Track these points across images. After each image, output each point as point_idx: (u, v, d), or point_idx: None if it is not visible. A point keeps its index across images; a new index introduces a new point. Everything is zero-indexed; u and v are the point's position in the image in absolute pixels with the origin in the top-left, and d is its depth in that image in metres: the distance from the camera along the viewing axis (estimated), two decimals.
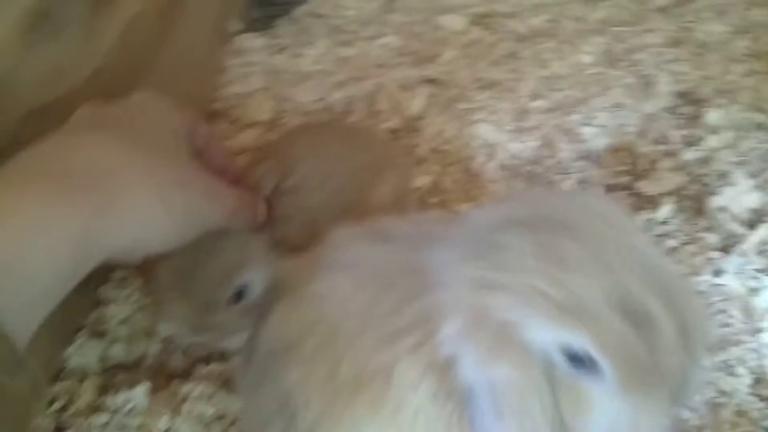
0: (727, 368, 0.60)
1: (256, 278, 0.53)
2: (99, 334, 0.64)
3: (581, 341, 0.33)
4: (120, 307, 0.65)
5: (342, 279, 0.42)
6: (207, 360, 0.61)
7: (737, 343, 0.61)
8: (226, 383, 0.58)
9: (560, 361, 0.35)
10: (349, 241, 0.44)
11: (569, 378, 0.35)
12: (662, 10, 1.04)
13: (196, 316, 0.52)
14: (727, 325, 0.63)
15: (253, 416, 0.45)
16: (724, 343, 0.61)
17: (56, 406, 0.57)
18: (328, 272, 0.42)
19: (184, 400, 0.57)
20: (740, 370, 0.60)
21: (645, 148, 0.81)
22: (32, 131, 0.55)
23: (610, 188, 0.78)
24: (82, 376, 0.60)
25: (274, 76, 0.98)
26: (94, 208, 0.39)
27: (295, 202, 0.59)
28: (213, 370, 0.60)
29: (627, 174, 0.79)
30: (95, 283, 0.67)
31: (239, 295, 0.53)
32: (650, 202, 0.75)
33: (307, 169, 0.60)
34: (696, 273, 0.67)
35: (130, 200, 0.42)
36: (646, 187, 0.76)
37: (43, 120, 0.57)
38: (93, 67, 0.67)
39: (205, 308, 0.52)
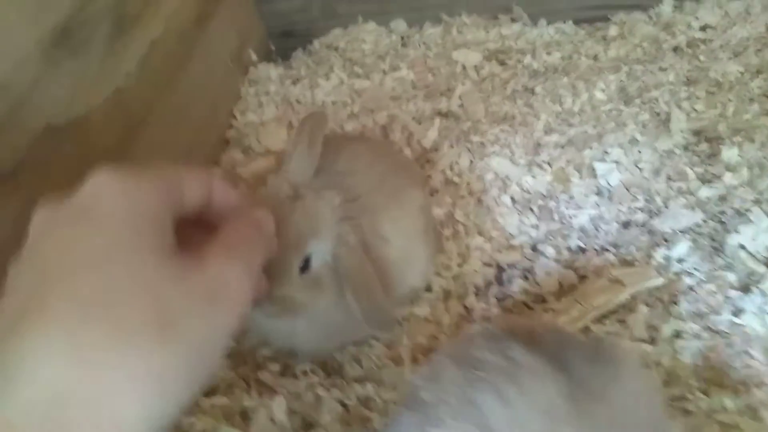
0: (750, 412, 0.58)
1: (321, 248, 0.52)
2: None
3: None
4: None
5: None
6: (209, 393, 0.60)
7: (759, 385, 0.59)
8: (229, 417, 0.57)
9: None
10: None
11: None
12: (677, 49, 1.04)
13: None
14: (748, 366, 0.61)
15: None
16: (745, 386, 0.60)
17: None
18: None
19: None
20: (764, 413, 0.58)
21: (660, 185, 0.80)
22: (48, 149, 0.56)
23: (625, 225, 0.77)
24: None
25: (289, 106, 0.99)
26: None
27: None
28: (216, 403, 0.58)
29: (641, 211, 0.78)
30: None
31: (305, 266, 0.52)
32: (666, 239, 0.74)
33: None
34: (715, 312, 0.66)
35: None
36: (662, 224, 0.75)
37: (59, 139, 0.58)
38: (113, 88, 0.68)
39: (275, 278, 0.49)
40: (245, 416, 0.58)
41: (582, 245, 0.76)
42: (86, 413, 0.29)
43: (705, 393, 0.60)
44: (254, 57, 1.06)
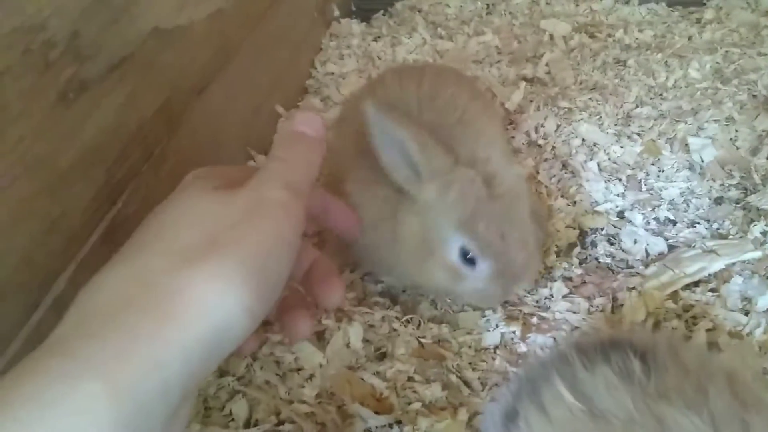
0: None
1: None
2: None
3: None
4: None
5: None
6: None
7: None
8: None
9: None
10: None
11: None
12: None
13: None
14: None
15: None
16: None
17: None
18: None
19: (262, 343, 0.55)
20: None
21: (760, 161, 0.76)
22: (153, 49, 0.55)
23: (717, 201, 0.73)
24: None
25: (369, 61, 0.98)
26: None
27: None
28: None
29: (735, 188, 0.74)
30: None
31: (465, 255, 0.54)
32: (763, 216, 0.70)
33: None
34: None
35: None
36: (759, 201, 0.71)
37: (163, 42, 0.58)
38: (216, 7, 0.68)
39: None
40: (321, 337, 0.57)
41: (671, 217, 0.72)
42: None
43: None
44: (337, 12, 1.06)
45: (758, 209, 0.71)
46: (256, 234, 0.37)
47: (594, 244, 0.71)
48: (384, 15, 1.12)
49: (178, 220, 0.38)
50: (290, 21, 0.90)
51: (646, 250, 0.69)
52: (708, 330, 0.60)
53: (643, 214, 0.72)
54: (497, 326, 0.60)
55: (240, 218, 0.38)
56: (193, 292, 0.33)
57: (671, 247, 0.69)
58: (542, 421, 0.39)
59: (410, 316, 0.60)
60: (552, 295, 0.64)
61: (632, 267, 0.67)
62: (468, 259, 0.54)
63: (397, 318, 0.60)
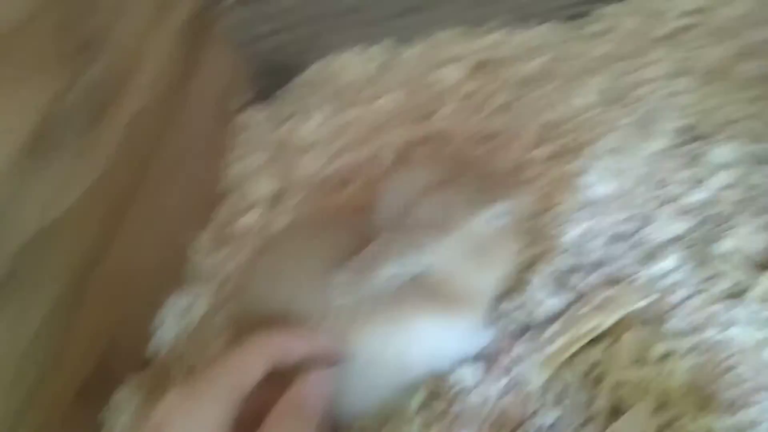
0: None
1: None
2: None
3: None
4: None
5: None
6: None
7: (750, 404, 0.58)
8: None
9: None
10: None
11: None
12: (662, 39, 1.01)
13: None
14: (738, 384, 0.60)
15: None
16: (736, 406, 0.59)
17: None
18: None
19: None
20: None
21: (647, 193, 0.78)
22: (34, 258, 0.58)
23: (613, 239, 0.76)
24: None
25: (276, 151, 1.01)
26: None
27: None
28: None
29: (628, 222, 0.77)
30: (95, 408, 0.68)
31: None
32: (653, 252, 0.73)
33: None
34: (704, 327, 0.65)
35: None
36: (649, 236, 0.74)
37: (43, 246, 0.61)
38: (94, 178, 0.69)
39: None
40: None
41: (571, 265, 0.75)
42: None
43: (697, 415, 0.59)
44: (238, 103, 1.08)
45: (650, 245, 0.74)
46: None
47: (500, 308, 0.74)
48: (288, 90, 1.15)
49: None
50: (190, 136, 0.92)
51: (550, 308, 0.72)
52: (610, 389, 0.64)
53: (543, 268, 0.75)
54: None
55: None
56: None
57: (572, 300, 0.72)
58: None
59: None
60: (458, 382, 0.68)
61: (535, 329, 0.71)
62: None
63: None
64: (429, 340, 0.60)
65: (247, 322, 0.59)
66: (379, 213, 0.63)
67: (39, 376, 0.59)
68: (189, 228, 0.88)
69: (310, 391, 0.50)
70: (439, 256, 0.58)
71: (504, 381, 0.66)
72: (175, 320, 0.79)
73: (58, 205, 0.63)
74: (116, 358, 0.71)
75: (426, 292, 0.59)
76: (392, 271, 0.55)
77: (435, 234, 0.57)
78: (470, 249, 0.60)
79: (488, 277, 0.62)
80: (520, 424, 0.63)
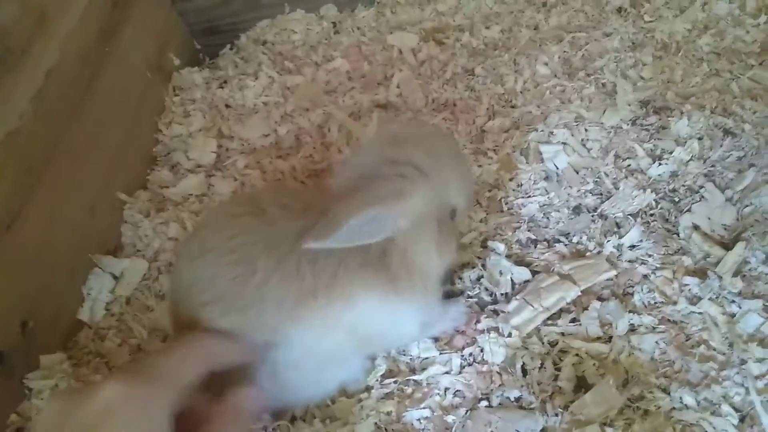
0: (711, 407, 0.56)
1: None
2: None
3: None
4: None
5: None
6: None
7: (720, 379, 0.57)
8: None
9: None
10: None
11: None
12: (620, 10, 0.99)
13: None
14: (708, 358, 0.58)
15: None
16: (706, 381, 0.57)
17: None
18: None
19: None
20: (725, 408, 0.55)
21: (608, 166, 0.76)
22: None
23: (575, 211, 0.73)
24: None
25: (217, 113, 0.93)
26: None
27: None
28: None
29: (591, 193, 0.74)
30: (20, 372, 0.61)
31: None
32: (618, 224, 0.71)
33: None
34: (671, 301, 0.63)
35: None
36: (613, 208, 0.72)
37: None
38: (4, 133, 0.61)
39: None
40: None
41: (533, 237, 0.72)
42: None
43: (665, 390, 0.57)
44: (177, 61, 0.99)
45: (613, 217, 0.71)
46: None
47: (461, 281, 0.70)
48: (231, 50, 1.07)
49: None
50: (118, 94, 0.83)
51: (512, 280, 0.69)
52: (574, 364, 0.61)
53: (505, 240, 0.72)
54: (368, 416, 0.59)
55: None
56: None
57: (534, 272, 0.69)
58: None
59: (277, 423, 0.59)
60: (420, 356, 0.64)
61: (497, 303, 0.67)
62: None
63: (264, 429, 0.58)
64: (380, 318, 0.56)
65: (183, 302, 0.53)
66: (337, 181, 0.58)
67: None
68: (119, 190, 0.79)
69: (248, 402, 0.49)
70: (392, 229, 0.53)
71: (467, 353, 0.63)
72: (106, 288, 0.71)
73: None
74: (41, 324, 0.64)
75: (376, 268, 0.54)
76: (346, 239, 0.50)
77: (390, 204, 0.52)
78: (423, 226, 0.55)
79: (439, 256, 0.58)
80: (484, 397, 0.59)
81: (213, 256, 0.52)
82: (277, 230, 0.53)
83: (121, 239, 0.78)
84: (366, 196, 0.52)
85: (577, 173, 0.77)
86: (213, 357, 0.48)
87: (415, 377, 0.62)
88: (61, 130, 0.69)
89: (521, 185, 0.77)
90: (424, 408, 0.59)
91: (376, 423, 0.58)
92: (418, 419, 0.59)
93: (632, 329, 0.62)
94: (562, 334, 0.63)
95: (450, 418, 0.58)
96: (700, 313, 0.62)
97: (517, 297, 0.66)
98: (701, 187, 0.71)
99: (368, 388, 0.62)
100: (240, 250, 0.52)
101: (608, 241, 0.69)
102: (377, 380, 0.62)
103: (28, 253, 0.62)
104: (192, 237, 0.58)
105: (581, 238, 0.70)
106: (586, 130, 0.81)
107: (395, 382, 0.62)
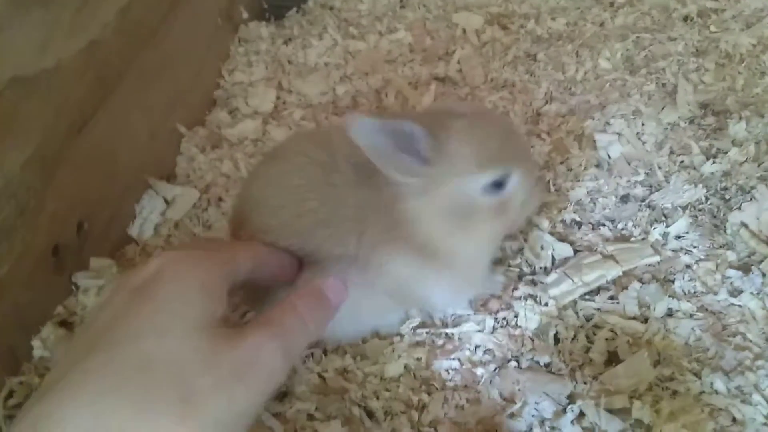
0: (742, 395, 0.56)
1: None
2: (68, 325, 0.60)
3: None
4: (93, 298, 0.62)
5: None
6: None
7: (754, 368, 0.57)
8: None
9: None
10: None
11: None
12: (687, 19, 0.99)
13: None
14: (743, 348, 0.58)
15: None
16: (739, 368, 0.57)
17: (12, 401, 0.54)
18: None
19: None
20: (756, 397, 0.55)
21: (662, 158, 0.76)
22: (14, 100, 0.52)
23: (623, 199, 0.74)
24: (44, 370, 0.56)
25: (279, 67, 0.95)
26: None
27: None
28: None
29: (641, 185, 0.75)
30: (70, 269, 0.63)
31: None
32: (666, 215, 0.71)
33: None
34: (711, 292, 0.63)
35: None
36: (662, 199, 0.72)
37: (26, 91, 0.55)
38: (87, 40, 0.64)
39: None
40: None
41: (578, 219, 0.73)
42: None
43: (696, 374, 0.57)
44: (245, 14, 1.02)
45: (661, 208, 0.72)
46: (238, 402, 0.36)
47: (503, 250, 0.71)
48: (298, 12, 1.09)
49: (157, 358, 0.35)
50: (190, 33, 0.86)
51: (553, 256, 0.69)
52: (607, 339, 0.61)
53: (549, 217, 0.73)
54: (399, 357, 0.60)
55: (226, 376, 0.36)
56: None
57: (576, 251, 0.69)
58: None
59: (311, 350, 0.60)
60: (454, 313, 0.65)
61: (535, 274, 0.68)
62: (500, 185, 0.56)
63: None
64: (419, 287, 0.58)
65: (242, 224, 0.55)
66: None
67: (11, 223, 0.54)
68: (180, 123, 0.82)
69: (331, 290, 0.46)
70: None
71: (500, 316, 0.63)
72: (157, 210, 0.74)
73: (47, 55, 0.58)
74: (94, 229, 0.66)
75: (412, 242, 0.56)
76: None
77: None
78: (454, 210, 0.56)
79: (472, 243, 0.59)
80: (513, 358, 0.60)
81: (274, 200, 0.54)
82: (338, 193, 0.54)
83: (175, 169, 0.81)
84: None
85: (629, 164, 0.77)
86: (265, 258, 0.48)
87: (447, 330, 0.63)
88: (137, 51, 0.72)
89: (571, 169, 0.78)
90: (453, 359, 0.60)
91: (405, 365, 0.59)
92: (447, 369, 0.60)
93: (669, 314, 0.62)
94: (599, 309, 0.63)
95: (479, 371, 0.59)
96: (739, 305, 0.62)
97: (558, 270, 0.67)
98: (753, 187, 0.71)
99: (400, 335, 0.63)
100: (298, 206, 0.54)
101: (654, 228, 0.69)
102: (410, 330, 0.63)
103: (93, 159, 0.64)
104: (264, 165, 0.60)
105: (627, 224, 0.71)
106: (642, 124, 0.81)
107: (428, 332, 0.63)
